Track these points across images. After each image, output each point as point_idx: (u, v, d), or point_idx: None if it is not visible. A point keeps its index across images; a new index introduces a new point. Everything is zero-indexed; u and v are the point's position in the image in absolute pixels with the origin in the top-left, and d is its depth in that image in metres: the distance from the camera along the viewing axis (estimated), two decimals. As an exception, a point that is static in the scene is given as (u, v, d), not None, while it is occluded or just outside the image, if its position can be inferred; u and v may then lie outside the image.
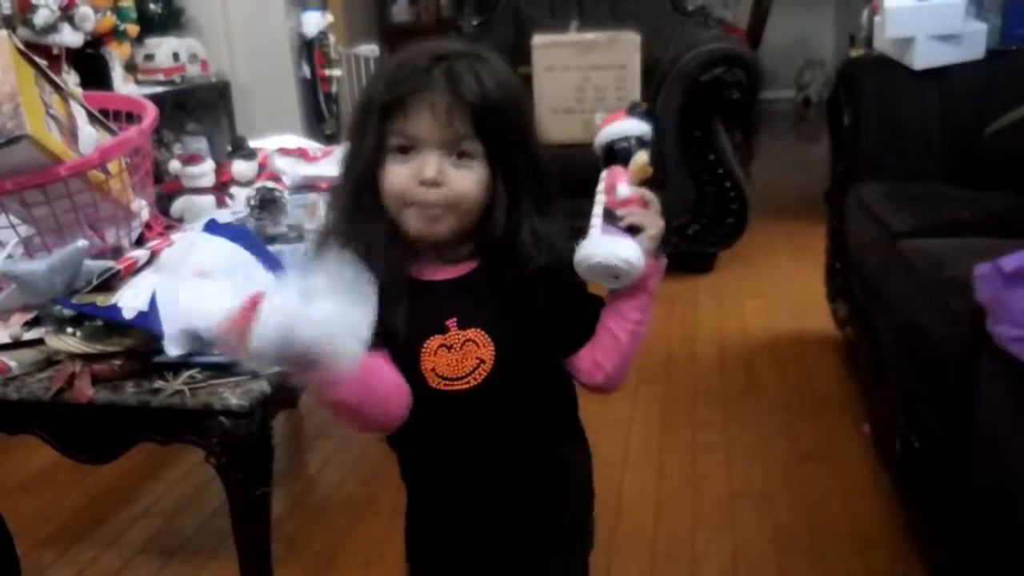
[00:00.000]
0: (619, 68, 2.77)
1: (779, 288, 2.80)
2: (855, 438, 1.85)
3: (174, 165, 1.68)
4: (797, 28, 6.26)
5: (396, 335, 0.74)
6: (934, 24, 2.02)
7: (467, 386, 0.75)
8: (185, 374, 1.05)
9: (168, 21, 3.13)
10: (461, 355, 0.75)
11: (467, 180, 0.73)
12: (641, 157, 0.77)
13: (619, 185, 0.76)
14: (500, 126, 0.73)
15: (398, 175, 0.72)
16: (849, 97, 2.15)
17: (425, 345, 0.75)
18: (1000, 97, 1.97)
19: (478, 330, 0.75)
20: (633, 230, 0.75)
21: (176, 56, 3.02)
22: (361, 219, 0.75)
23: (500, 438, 0.79)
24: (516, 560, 0.84)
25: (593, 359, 0.80)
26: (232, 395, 1.01)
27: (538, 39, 2.87)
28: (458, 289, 0.76)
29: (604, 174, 0.79)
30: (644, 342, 0.81)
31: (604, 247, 0.74)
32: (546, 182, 0.78)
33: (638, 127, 0.79)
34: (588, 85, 2.79)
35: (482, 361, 0.75)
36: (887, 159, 2.07)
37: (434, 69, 0.72)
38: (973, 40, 2.04)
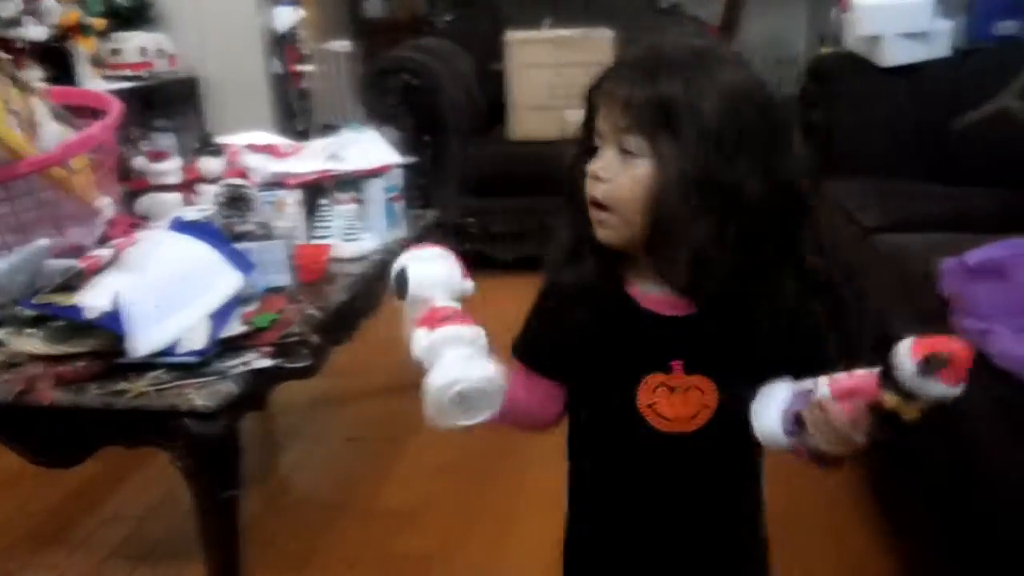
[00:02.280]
0: (593, 65, 2.76)
1: (753, 284, 2.81)
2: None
3: (139, 162, 1.65)
4: (770, 27, 6.29)
5: (608, 364, 0.73)
6: (901, 22, 2.04)
7: (689, 429, 0.73)
8: (150, 375, 1.03)
9: (136, 15, 3.08)
10: (684, 398, 0.72)
11: (623, 178, 0.66)
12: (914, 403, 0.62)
13: (837, 384, 0.64)
14: (667, 124, 0.65)
15: (588, 172, 0.70)
16: (820, 94, 2.17)
17: (644, 380, 0.72)
18: (968, 94, 2.00)
19: (705, 379, 0.71)
20: (800, 421, 0.66)
21: (144, 51, 2.97)
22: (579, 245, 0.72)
23: (704, 478, 0.76)
24: None
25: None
26: (198, 396, 1.00)
27: (512, 36, 2.86)
28: (687, 328, 0.70)
29: (864, 372, 0.65)
30: None
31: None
32: (760, 221, 0.66)
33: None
34: (562, 82, 2.79)
35: (706, 406, 0.72)
36: (858, 156, 2.09)
37: (622, 66, 0.70)
38: (939, 38, 2.07)
